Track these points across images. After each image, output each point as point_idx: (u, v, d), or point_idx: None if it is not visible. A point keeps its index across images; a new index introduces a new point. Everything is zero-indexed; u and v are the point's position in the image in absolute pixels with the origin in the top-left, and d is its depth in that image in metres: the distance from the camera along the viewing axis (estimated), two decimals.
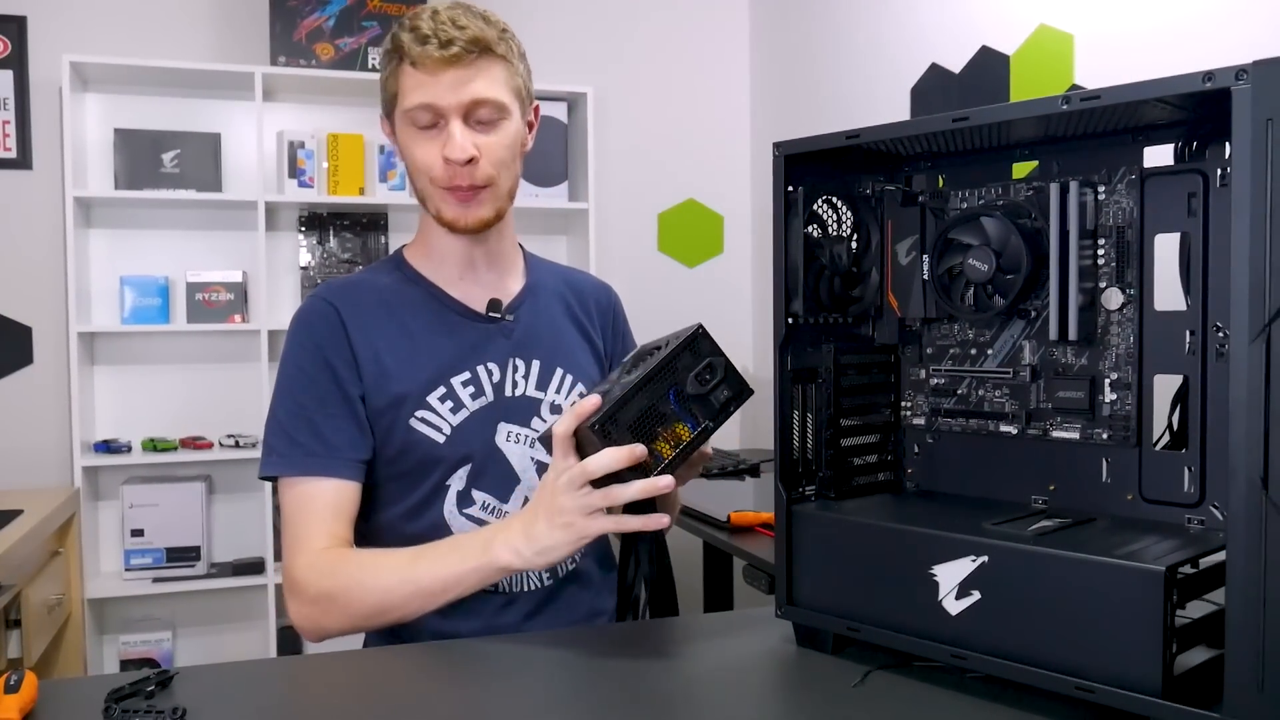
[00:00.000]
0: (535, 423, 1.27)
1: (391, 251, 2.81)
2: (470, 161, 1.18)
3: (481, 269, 1.29)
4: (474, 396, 1.23)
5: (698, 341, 1.02)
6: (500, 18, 1.22)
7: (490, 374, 1.25)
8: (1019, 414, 0.97)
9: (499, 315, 1.27)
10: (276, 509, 2.82)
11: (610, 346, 1.40)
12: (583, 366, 1.33)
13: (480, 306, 1.28)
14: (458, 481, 1.22)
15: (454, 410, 1.22)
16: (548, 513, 1.03)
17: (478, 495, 1.23)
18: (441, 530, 1.22)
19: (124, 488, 2.80)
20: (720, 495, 2.26)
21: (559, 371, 1.29)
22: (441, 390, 1.22)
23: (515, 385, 1.26)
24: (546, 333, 1.31)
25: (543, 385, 1.28)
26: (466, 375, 1.24)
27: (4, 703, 0.81)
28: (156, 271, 2.90)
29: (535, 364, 1.28)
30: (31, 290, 2.86)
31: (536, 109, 1.29)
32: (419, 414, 1.21)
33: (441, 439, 1.21)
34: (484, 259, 1.29)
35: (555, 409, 1.28)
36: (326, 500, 1.17)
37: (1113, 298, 0.91)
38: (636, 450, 0.98)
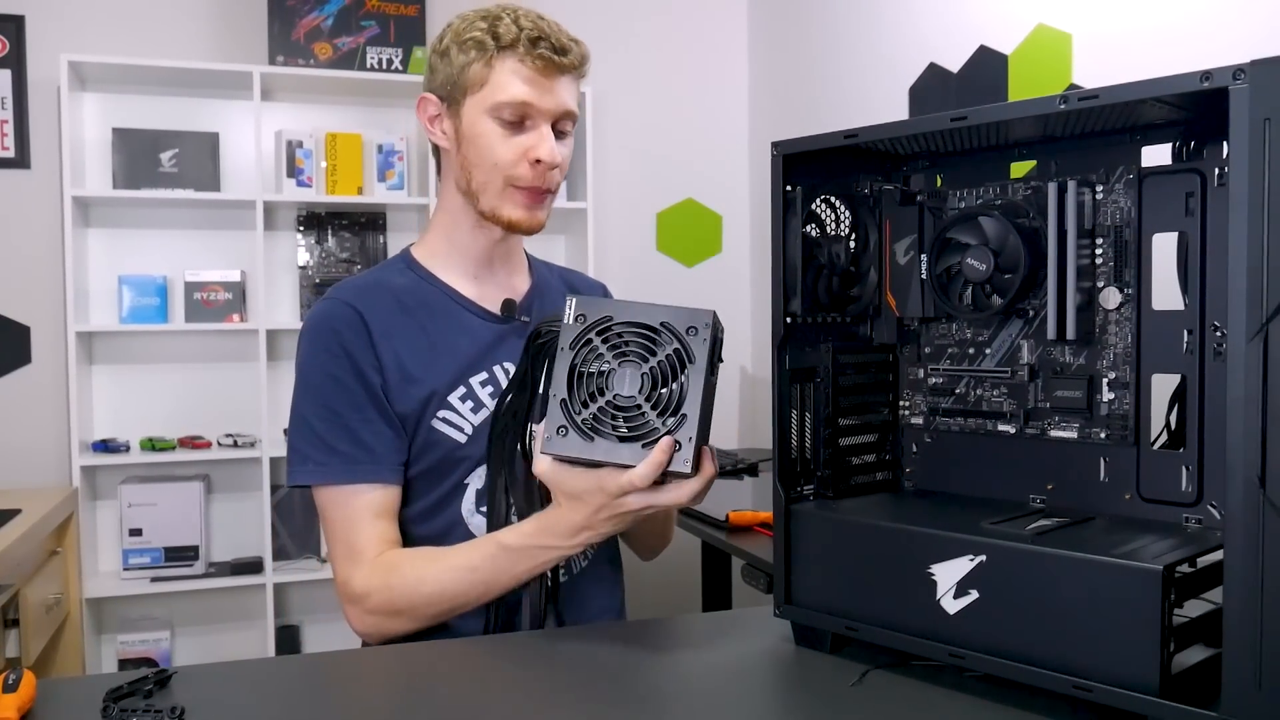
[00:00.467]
0: None
1: (389, 250, 2.80)
2: (554, 167, 1.21)
3: (497, 266, 1.30)
4: (493, 396, 1.24)
5: (718, 337, 1.00)
6: None
7: (507, 373, 1.25)
8: (1017, 413, 0.97)
9: (513, 316, 1.28)
10: (275, 508, 2.85)
11: None
12: None
13: (492, 306, 1.29)
14: (476, 480, 1.23)
15: (474, 410, 1.23)
16: (607, 518, 1.04)
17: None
18: (458, 528, 1.22)
19: (122, 487, 2.80)
20: (719, 495, 2.26)
21: None
22: (462, 390, 1.23)
23: None
24: None
25: None
26: (484, 375, 1.24)
27: (2, 702, 0.81)
28: (155, 271, 2.90)
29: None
30: (30, 290, 2.86)
31: None
32: (441, 414, 1.21)
33: (464, 438, 1.22)
34: (501, 257, 1.30)
35: None
36: (374, 507, 1.18)
37: (1110, 297, 0.91)
38: (708, 472, 1.00)
